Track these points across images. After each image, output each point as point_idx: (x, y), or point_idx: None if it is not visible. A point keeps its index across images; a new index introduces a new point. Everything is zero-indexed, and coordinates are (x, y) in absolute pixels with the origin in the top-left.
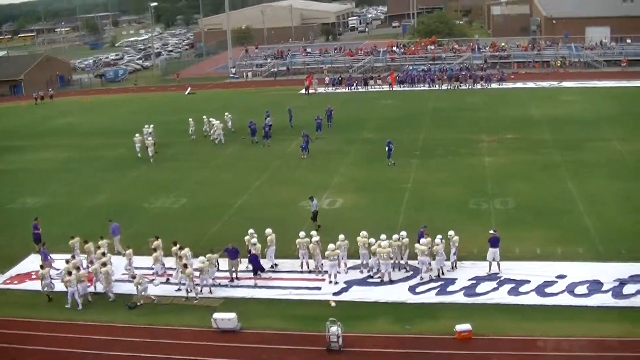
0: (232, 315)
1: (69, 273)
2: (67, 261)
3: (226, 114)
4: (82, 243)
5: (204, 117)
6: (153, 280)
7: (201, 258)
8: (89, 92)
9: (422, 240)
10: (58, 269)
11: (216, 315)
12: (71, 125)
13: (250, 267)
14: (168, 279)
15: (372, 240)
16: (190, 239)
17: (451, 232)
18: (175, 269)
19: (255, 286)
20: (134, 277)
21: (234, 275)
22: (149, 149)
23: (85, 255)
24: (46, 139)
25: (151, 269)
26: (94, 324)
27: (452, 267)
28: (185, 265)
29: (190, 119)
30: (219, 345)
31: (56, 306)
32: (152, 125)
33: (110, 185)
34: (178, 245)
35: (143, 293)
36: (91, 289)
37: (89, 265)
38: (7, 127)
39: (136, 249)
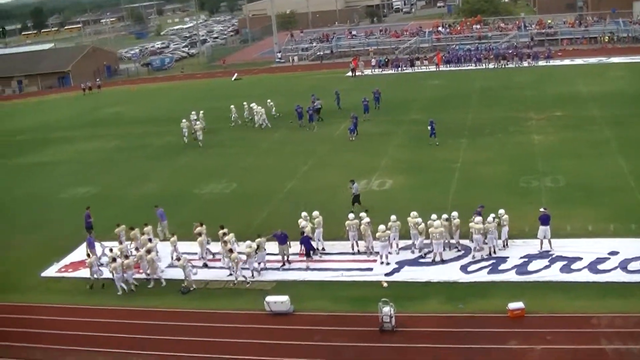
0: (284, 298)
1: (114, 260)
2: (111, 249)
3: (268, 100)
4: (128, 230)
5: (244, 103)
6: (193, 269)
7: (248, 242)
8: (136, 81)
9: (477, 219)
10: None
11: (269, 298)
12: (119, 114)
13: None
14: (206, 264)
15: (419, 220)
16: (240, 224)
17: (501, 211)
18: (222, 253)
19: (307, 269)
20: (178, 259)
21: (285, 259)
22: (197, 133)
23: (131, 242)
24: (95, 129)
25: (196, 254)
26: (146, 310)
27: (504, 246)
28: (231, 250)
29: (232, 106)
30: (272, 327)
31: (108, 293)
32: (201, 112)
33: (158, 173)
34: (224, 230)
35: (188, 278)
36: (138, 276)
37: (135, 252)
38: (56, 118)
39: (187, 235)
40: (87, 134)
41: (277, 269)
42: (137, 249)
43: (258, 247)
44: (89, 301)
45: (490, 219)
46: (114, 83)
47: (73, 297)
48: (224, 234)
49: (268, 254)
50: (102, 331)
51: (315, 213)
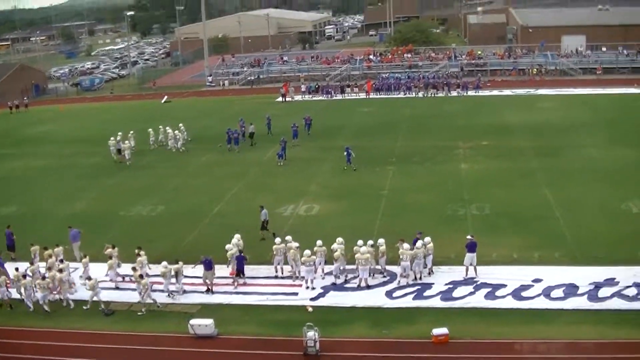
0: (209, 321)
1: (24, 277)
2: (17, 269)
3: (180, 125)
4: (42, 250)
5: (160, 127)
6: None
7: (164, 263)
8: (65, 100)
9: (405, 245)
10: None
11: (193, 321)
12: (47, 133)
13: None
14: (117, 287)
15: (335, 246)
16: (167, 246)
17: (427, 239)
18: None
19: (233, 292)
20: (89, 278)
21: (209, 285)
22: (125, 152)
23: (44, 263)
24: (22, 147)
25: (128, 276)
26: (70, 332)
27: (429, 273)
28: (141, 276)
29: (150, 130)
30: (197, 351)
31: (28, 314)
32: (131, 132)
33: (86, 193)
34: (139, 252)
35: (95, 298)
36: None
37: (47, 273)
38: None
39: (120, 256)
40: (14, 152)
41: (202, 292)
42: (49, 269)
43: (177, 273)
44: (10, 322)
45: (419, 244)
46: (42, 102)
47: None
48: (138, 255)
49: (193, 277)
50: (25, 353)
51: (319, 242)
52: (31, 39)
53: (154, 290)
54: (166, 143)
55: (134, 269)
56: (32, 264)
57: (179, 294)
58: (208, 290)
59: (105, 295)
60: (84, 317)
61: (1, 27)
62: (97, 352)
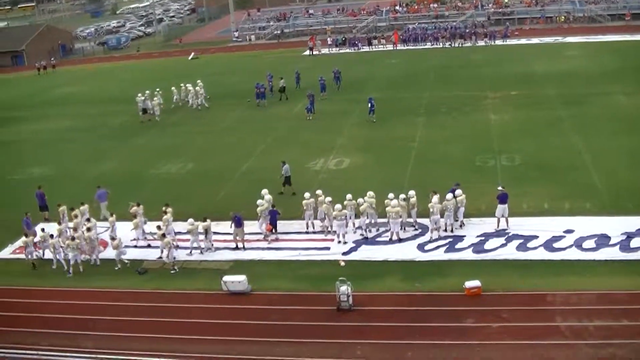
0: (241, 277)
1: (51, 236)
2: (43, 229)
3: (198, 81)
4: (69, 210)
5: (181, 85)
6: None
7: (190, 220)
8: (92, 60)
9: (434, 198)
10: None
11: (226, 278)
12: (74, 94)
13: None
14: (149, 245)
15: (361, 200)
16: (197, 204)
17: (458, 191)
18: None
19: (265, 247)
20: (113, 239)
21: (239, 242)
22: (155, 109)
23: (72, 223)
24: (50, 108)
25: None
26: (102, 290)
27: (461, 226)
28: (164, 235)
29: (172, 88)
30: (230, 307)
31: (62, 274)
32: (158, 90)
33: (115, 153)
34: (167, 209)
35: (122, 257)
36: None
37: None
38: (9, 98)
39: (144, 215)
40: (42, 113)
41: (233, 248)
42: (74, 229)
43: (206, 230)
44: (45, 282)
45: (449, 196)
46: (69, 62)
47: (28, 279)
48: (164, 212)
49: (225, 233)
50: (57, 312)
51: (348, 196)
52: None
53: (183, 248)
54: (187, 100)
55: (158, 227)
56: (59, 223)
57: (211, 250)
58: (237, 247)
59: (138, 254)
60: (116, 276)
61: None
62: (128, 310)
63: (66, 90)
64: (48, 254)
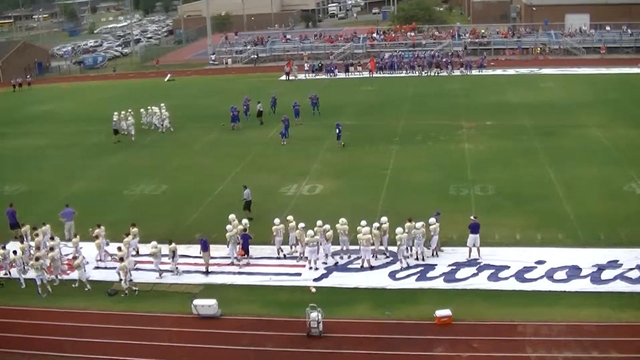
0: (212, 301)
1: (14, 252)
2: (4, 247)
3: (162, 105)
4: (32, 230)
5: (148, 107)
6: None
7: (153, 243)
8: (68, 78)
9: (398, 229)
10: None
11: (196, 301)
12: (49, 112)
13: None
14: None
15: (327, 226)
16: (170, 225)
17: (432, 219)
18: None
19: (236, 272)
20: (75, 258)
21: (207, 266)
22: (129, 128)
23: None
24: (24, 126)
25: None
26: (71, 311)
27: (433, 254)
28: (122, 259)
29: (141, 110)
30: (199, 331)
31: (32, 293)
32: (129, 110)
33: (89, 172)
34: (133, 230)
35: (83, 278)
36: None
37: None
38: None
39: (115, 236)
40: (17, 130)
41: (203, 272)
42: (37, 248)
43: (173, 253)
44: (13, 302)
45: (418, 224)
46: (45, 80)
47: None
48: (126, 234)
49: (196, 257)
50: (28, 333)
51: (319, 222)
52: (34, 16)
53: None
54: (154, 123)
55: (118, 249)
56: (21, 242)
57: (177, 274)
58: (206, 272)
59: (106, 275)
60: (86, 297)
61: (4, 5)
62: (98, 331)
63: (41, 108)
64: (15, 273)
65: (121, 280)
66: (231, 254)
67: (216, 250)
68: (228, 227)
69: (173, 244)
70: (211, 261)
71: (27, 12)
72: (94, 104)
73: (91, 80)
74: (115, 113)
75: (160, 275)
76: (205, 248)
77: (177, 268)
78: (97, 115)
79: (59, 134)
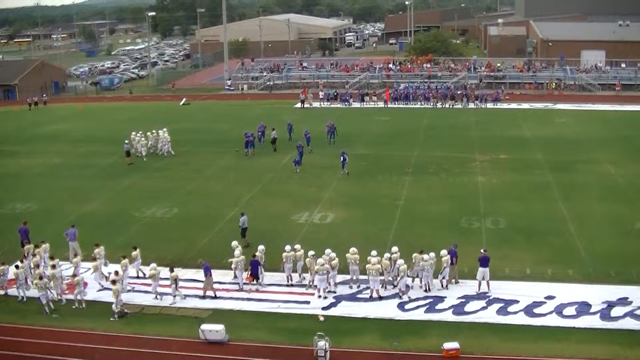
0: (220, 326)
1: (16, 267)
2: (3, 263)
3: (164, 129)
4: (35, 248)
5: (153, 131)
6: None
7: (152, 265)
8: (83, 99)
9: (399, 261)
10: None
11: (204, 326)
12: (64, 131)
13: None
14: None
15: (333, 254)
16: (180, 249)
17: (443, 251)
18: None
19: (245, 297)
20: (74, 276)
21: (208, 292)
22: (142, 150)
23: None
24: (38, 144)
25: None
26: (79, 332)
27: (442, 287)
28: (114, 282)
29: (148, 133)
30: (206, 356)
31: (40, 312)
32: (140, 132)
33: (101, 193)
34: (135, 252)
35: (80, 297)
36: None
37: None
38: None
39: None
40: (31, 149)
41: (212, 297)
42: (36, 267)
43: (175, 280)
44: (21, 320)
45: (426, 256)
46: (60, 100)
47: (4, 316)
48: (124, 257)
49: (202, 281)
50: (36, 352)
51: (327, 251)
52: (52, 36)
53: (164, 294)
54: (157, 147)
55: (115, 272)
56: (21, 262)
57: (174, 302)
58: (204, 296)
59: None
60: (94, 318)
61: (23, 24)
62: (107, 354)
63: (57, 128)
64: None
65: (113, 303)
66: (239, 280)
67: (226, 275)
68: (236, 252)
69: (175, 271)
70: (220, 286)
71: (45, 32)
72: (109, 125)
73: (107, 101)
74: (133, 133)
75: (156, 297)
76: (207, 273)
77: (175, 296)
78: (111, 137)
79: (73, 154)
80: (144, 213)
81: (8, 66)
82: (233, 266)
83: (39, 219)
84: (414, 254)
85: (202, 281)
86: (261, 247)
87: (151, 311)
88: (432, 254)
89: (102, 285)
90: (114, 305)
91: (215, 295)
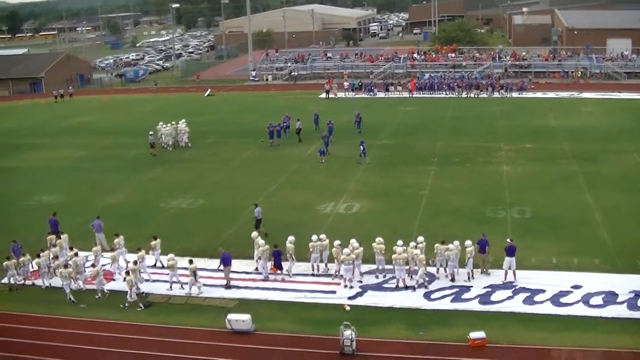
0: (246, 316)
1: (38, 256)
2: (39, 255)
3: (182, 120)
4: (57, 239)
5: (172, 122)
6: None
7: (170, 255)
8: (109, 91)
9: (398, 249)
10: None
11: (230, 316)
12: (90, 124)
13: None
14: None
15: (357, 244)
16: (205, 240)
17: (468, 242)
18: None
19: (271, 287)
20: (93, 265)
21: (228, 280)
22: (168, 139)
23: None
24: (64, 137)
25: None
26: (106, 322)
27: (469, 278)
28: (128, 273)
29: (165, 125)
30: (232, 346)
31: (68, 303)
32: (161, 123)
33: (126, 185)
34: (155, 241)
35: (102, 287)
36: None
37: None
38: (25, 124)
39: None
40: (57, 142)
41: (241, 287)
42: (55, 258)
43: (194, 273)
44: (50, 310)
45: (451, 246)
46: (86, 92)
47: (32, 306)
48: (139, 249)
49: (233, 271)
50: (63, 341)
51: (356, 244)
52: (77, 29)
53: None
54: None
55: (134, 262)
56: (42, 250)
57: (197, 292)
58: (229, 286)
59: (143, 287)
60: (119, 308)
61: (48, 17)
62: (132, 343)
63: (82, 120)
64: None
65: (127, 293)
66: (263, 270)
67: (250, 265)
68: (260, 242)
69: (194, 263)
70: (247, 277)
71: (70, 25)
72: (134, 117)
73: (132, 93)
74: (161, 124)
75: (171, 287)
76: (226, 262)
77: (193, 286)
78: (136, 128)
79: (98, 146)
80: (169, 204)
81: (34, 59)
82: (257, 255)
83: (64, 210)
84: (436, 245)
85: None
86: (291, 238)
87: (177, 301)
88: (457, 243)
89: (120, 274)
90: (128, 295)
91: (230, 285)
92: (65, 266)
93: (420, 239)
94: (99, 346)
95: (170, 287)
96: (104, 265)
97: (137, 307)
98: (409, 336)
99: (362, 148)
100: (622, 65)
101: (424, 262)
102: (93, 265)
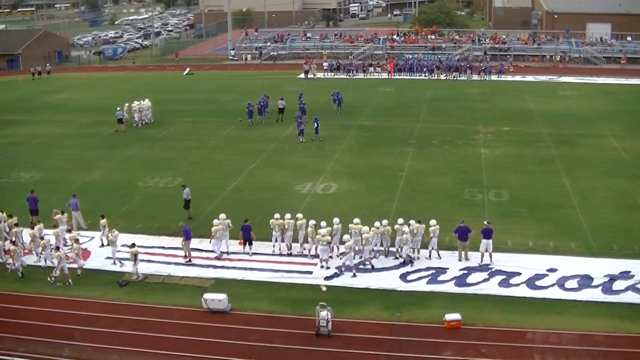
0: (222, 296)
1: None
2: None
3: (146, 99)
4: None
5: (136, 101)
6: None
7: (114, 231)
8: (87, 69)
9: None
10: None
11: (207, 295)
12: (67, 101)
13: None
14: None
15: (362, 227)
16: (182, 218)
17: (432, 221)
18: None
19: (247, 267)
20: (58, 249)
21: (187, 255)
22: (135, 114)
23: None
24: (42, 114)
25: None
26: (82, 300)
27: (430, 256)
28: (57, 248)
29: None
30: (208, 325)
31: (44, 281)
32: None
33: (104, 162)
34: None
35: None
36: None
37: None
38: (2, 101)
39: (128, 227)
40: (35, 118)
41: (216, 266)
42: (41, 238)
43: (135, 256)
44: (25, 288)
45: (406, 228)
46: (64, 69)
47: (8, 284)
48: (54, 227)
49: (208, 251)
50: (39, 320)
51: (335, 220)
52: (55, 5)
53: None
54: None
55: (76, 240)
56: (32, 228)
57: (138, 278)
58: (189, 261)
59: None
60: (97, 287)
61: None
62: (108, 321)
63: (60, 97)
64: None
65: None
66: (215, 248)
67: (230, 245)
68: (215, 221)
69: (135, 248)
70: (224, 256)
71: (48, 1)
72: (112, 95)
73: (110, 71)
74: (135, 102)
75: (114, 263)
76: (187, 237)
77: (137, 271)
78: (115, 106)
79: (76, 123)
80: (147, 183)
81: (11, 36)
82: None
83: (42, 187)
84: (411, 221)
85: (206, 250)
86: (222, 216)
87: (154, 280)
88: (412, 222)
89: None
90: (54, 271)
91: (190, 261)
92: (57, 249)
93: (400, 220)
94: (74, 324)
95: (117, 262)
96: (82, 243)
97: (66, 282)
98: (385, 317)
99: (315, 125)
100: (601, 50)
101: (409, 242)
102: (57, 248)
